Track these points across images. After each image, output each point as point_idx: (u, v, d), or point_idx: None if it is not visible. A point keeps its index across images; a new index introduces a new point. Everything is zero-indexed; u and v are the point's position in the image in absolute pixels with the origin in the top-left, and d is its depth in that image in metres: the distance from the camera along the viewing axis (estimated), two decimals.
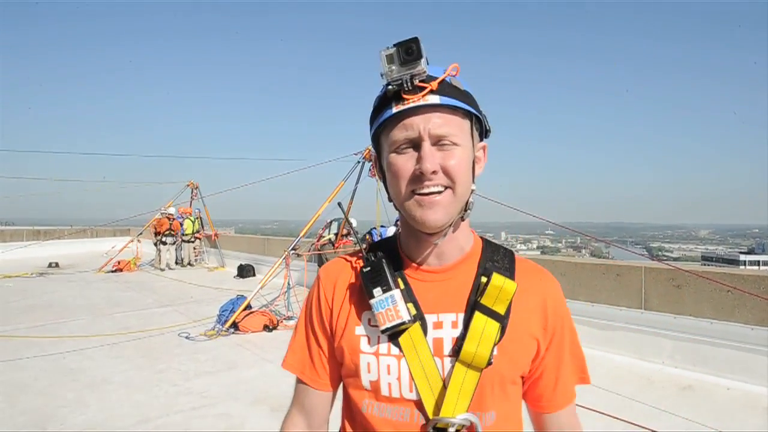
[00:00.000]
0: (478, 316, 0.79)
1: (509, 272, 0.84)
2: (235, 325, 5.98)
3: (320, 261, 8.91)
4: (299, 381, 0.93)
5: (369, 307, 0.82)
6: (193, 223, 13.40)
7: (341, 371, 0.89)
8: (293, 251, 7.56)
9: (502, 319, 0.79)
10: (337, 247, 8.85)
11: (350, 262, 0.93)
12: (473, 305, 0.80)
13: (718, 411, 3.57)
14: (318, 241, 9.02)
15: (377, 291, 0.81)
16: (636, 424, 3.24)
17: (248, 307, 6.34)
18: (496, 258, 0.86)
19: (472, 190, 0.82)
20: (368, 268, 0.84)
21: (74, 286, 9.57)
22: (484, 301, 0.80)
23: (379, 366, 0.81)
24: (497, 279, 0.80)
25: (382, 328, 0.79)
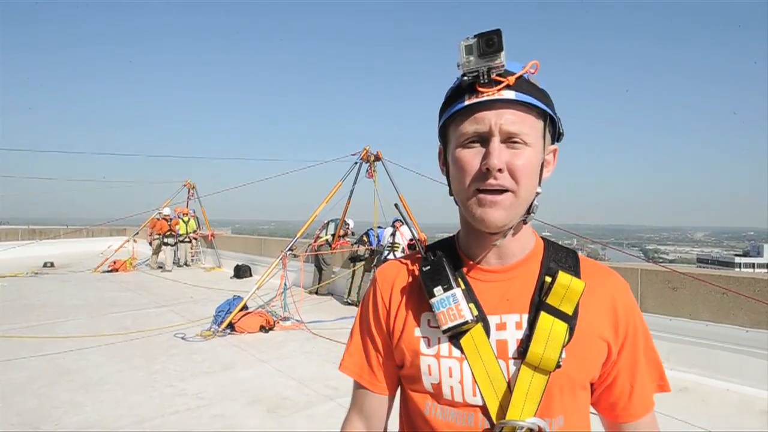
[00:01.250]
0: (544, 317, 0.76)
1: (574, 272, 0.80)
2: (231, 326, 5.96)
3: (317, 262, 8.90)
4: (357, 385, 0.91)
5: (428, 308, 0.80)
6: (186, 223, 13.33)
7: (400, 374, 0.87)
8: (290, 252, 7.55)
9: (570, 320, 0.76)
10: (334, 248, 8.83)
11: (407, 263, 0.90)
12: (538, 305, 0.77)
13: (714, 413, 3.59)
14: (315, 241, 9.01)
15: (438, 290, 0.78)
16: None
17: (245, 307, 6.32)
18: (560, 257, 0.83)
19: (538, 193, 0.78)
20: (428, 267, 0.82)
21: (70, 286, 9.52)
22: (550, 300, 0.77)
23: (441, 368, 0.78)
24: (563, 278, 0.77)
25: (444, 327, 0.77)
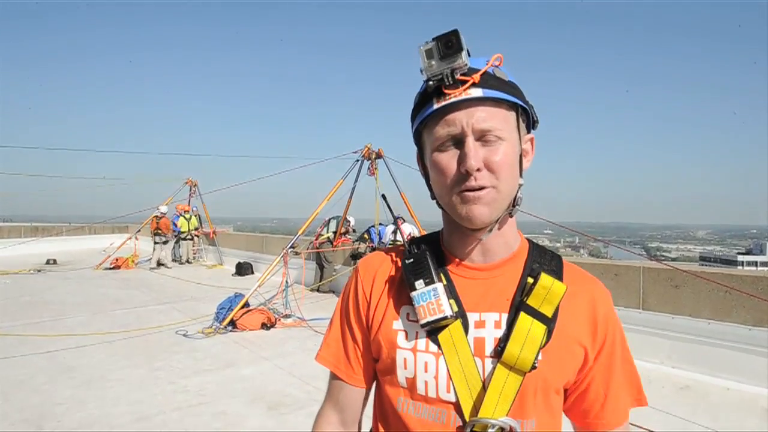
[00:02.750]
0: (523, 317, 0.75)
1: (557, 275, 0.80)
2: (232, 323, 5.97)
3: (318, 259, 8.91)
4: (333, 377, 0.91)
5: (408, 301, 0.80)
6: (188, 221, 13.33)
7: (376, 367, 0.86)
8: (291, 249, 7.56)
9: (549, 322, 0.76)
10: (335, 246, 8.84)
11: (390, 255, 0.90)
12: (518, 305, 0.77)
13: (716, 411, 3.58)
14: (316, 239, 9.02)
15: (419, 283, 0.78)
16: (633, 424, 3.24)
17: (246, 305, 6.33)
18: (544, 260, 0.83)
19: (520, 185, 0.78)
20: (411, 260, 0.81)
21: (72, 283, 9.54)
22: (531, 301, 0.76)
23: (416, 362, 0.78)
24: (545, 279, 0.77)
25: (423, 321, 0.76)
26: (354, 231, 9.31)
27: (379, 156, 8.47)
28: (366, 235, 8.55)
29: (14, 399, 3.79)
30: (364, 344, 0.87)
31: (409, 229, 7.57)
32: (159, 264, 12.27)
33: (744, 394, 3.87)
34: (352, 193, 8.66)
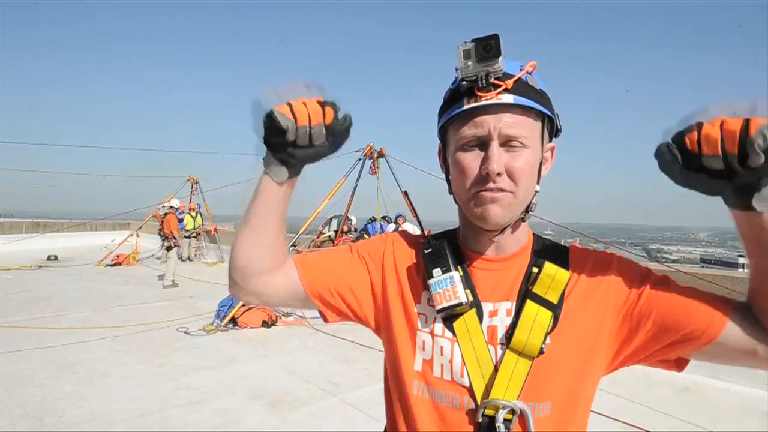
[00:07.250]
0: (529, 305, 0.79)
1: (562, 262, 0.83)
2: (233, 321, 5.99)
3: None
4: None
5: (427, 288, 0.84)
6: (194, 218, 13.35)
7: (391, 348, 0.87)
8: (293, 248, 7.57)
9: (555, 308, 0.79)
10: (336, 244, 8.84)
11: (415, 240, 0.94)
12: (525, 294, 0.81)
13: (715, 413, 3.59)
14: (318, 237, 9.03)
15: (437, 271, 0.82)
16: (633, 425, 3.25)
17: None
18: (549, 249, 0.87)
19: (536, 192, 0.81)
20: (429, 250, 0.86)
21: (73, 279, 9.57)
22: (536, 289, 0.80)
23: (434, 345, 0.82)
24: (549, 268, 0.81)
25: (439, 307, 0.80)
26: (355, 230, 9.32)
27: (381, 155, 8.47)
28: (366, 235, 8.56)
29: (16, 394, 3.80)
30: (351, 282, 0.89)
31: (410, 228, 7.57)
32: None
33: (744, 396, 3.88)
34: (354, 192, 8.68)
